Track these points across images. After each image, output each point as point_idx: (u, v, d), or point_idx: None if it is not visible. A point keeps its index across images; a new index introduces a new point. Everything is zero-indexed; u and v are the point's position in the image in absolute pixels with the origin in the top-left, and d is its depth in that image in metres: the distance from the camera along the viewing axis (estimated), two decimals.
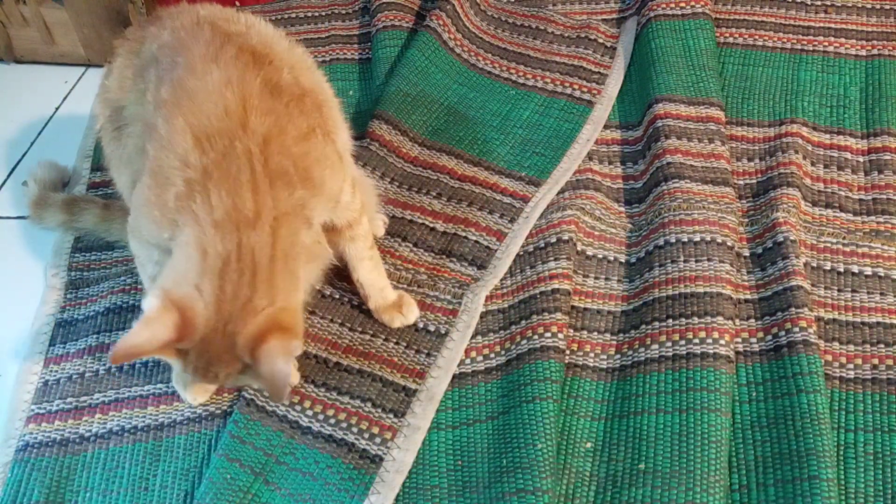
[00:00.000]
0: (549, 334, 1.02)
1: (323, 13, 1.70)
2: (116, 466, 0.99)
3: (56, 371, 1.10)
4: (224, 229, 0.77)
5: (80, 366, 1.10)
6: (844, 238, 1.14)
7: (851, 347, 1.02)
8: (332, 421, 0.99)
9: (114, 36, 0.97)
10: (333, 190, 0.90)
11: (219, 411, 1.03)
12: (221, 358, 0.78)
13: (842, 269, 1.11)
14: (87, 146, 1.43)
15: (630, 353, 1.04)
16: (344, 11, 1.69)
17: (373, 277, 1.07)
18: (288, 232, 0.81)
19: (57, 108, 1.54)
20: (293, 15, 1.69)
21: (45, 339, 1.14)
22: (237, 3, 1.72)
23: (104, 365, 1.10)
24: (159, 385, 1.06)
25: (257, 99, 0.80)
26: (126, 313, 1.15)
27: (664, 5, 1.51)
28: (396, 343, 1.07)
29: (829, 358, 1.01)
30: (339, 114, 1.00)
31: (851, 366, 1.00)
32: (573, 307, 1.10)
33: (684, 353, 1.00)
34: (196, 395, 1.03)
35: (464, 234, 1.21)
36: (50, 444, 1.01)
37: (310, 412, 1.00)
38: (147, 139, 0.82)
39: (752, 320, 1.05)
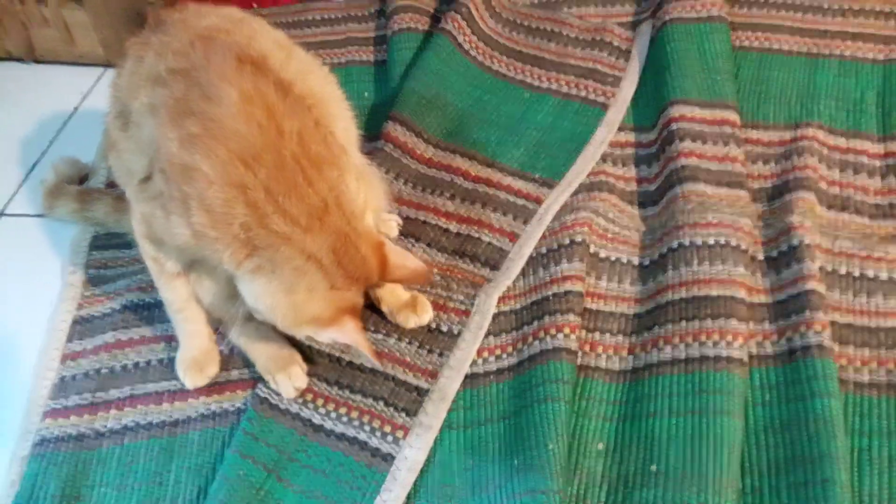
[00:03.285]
0: (561, 335, 1.02)
1: (339, 16, 1.71)
2: (131, 462, 1.00)
3: (73, 367, 1.11)
4: (315, 230, 0.83)
5: (96, 362, 1.11)
6: (860, 242, 1.14)
7: (866, 352, 1.01)
8: (345, 419, 1.00)
9: (132, 36, 0.98)
10: (349, 174, 0.91)
11: (233, 408, 1.04)
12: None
13: (857, 274, 1.10)
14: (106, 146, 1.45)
15: (643, 355, 1.04)
16: (360, 14, 1.71)
17: None
18: (346, 197, 0.88)
19: (76, 109, 1.56)
20: (310, 17, 1.70)
21: (62, 336, 1.15)
22: (255, 5, 1.74)
23: (120, 361, 1.11)
24: (174, 382, 1.07)
25: (278, 103, 0.82)
26: (142, 311, 1.16)
27: (680, 8, 1.51)
28: (409, 343, 1.08)
29: (844, 362, 1.00)
30: (337, 108, 1.01)
31: (866, 370, 0.99)
32: (586, 309, 1.10)
33: (697, 355, 0.99)
34: (194, 381, 1.05)
35: (477, 235, 1.21)
36: (66, 439, 1.03)
37: (322, 410, 1.01)
38: (182, 180, 0.82)
39: (766, 323, 1.05)
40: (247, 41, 0.91)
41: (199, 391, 1.06)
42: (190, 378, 1.05)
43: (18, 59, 1.66)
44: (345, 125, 1.03)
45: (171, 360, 1.09)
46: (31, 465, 1.00)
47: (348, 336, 0.89)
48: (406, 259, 0.94)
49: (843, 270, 1.11)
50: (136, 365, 1.10)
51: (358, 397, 1.02)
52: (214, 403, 1.05)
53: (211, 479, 0.97)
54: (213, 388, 1.06)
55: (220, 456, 1.00)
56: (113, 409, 1.06)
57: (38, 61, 1.66)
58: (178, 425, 1.03)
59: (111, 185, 1.38)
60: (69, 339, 1.15)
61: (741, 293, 1.05)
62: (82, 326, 1.16)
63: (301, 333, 0.90)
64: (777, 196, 1.22)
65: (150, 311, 1.16)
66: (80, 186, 1.35)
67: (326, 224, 0.84)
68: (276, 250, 0.83)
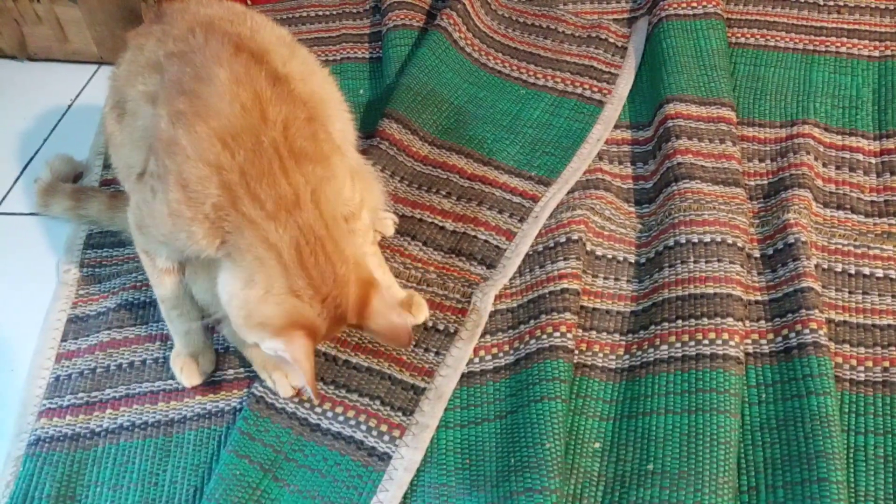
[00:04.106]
0: (557, 334, 1.02)
1: (334, 12, 1.70)
2: (126, 461, 1.00)
3: (67, 366, 1.11)
4: (279, 219, 0.79)
5: (91, 361, 1.11)
6: (856, 240, 1.14)
7: (862, 350, 1.02)
8: (341, 418, 1.00)
9: (126, 35, 0.98)
10: (339, 175, 0.90)
11: (228, 408, 1.04)
12: (332, 330, 0.84)
13: (853, 272, 1.10)
14: (100, 143, 1.44)
15: (639, 353, 1.04)
16: (355, 10, 1.70)
17: (378, 275, 1.06)
18: (326, 198, 0.83)
19: (69, 106, 1.55)
20: (304, 14, 1.70)
21: (56, 335, 1.14)
22: (248, 2, 1.73)
23: (115, 360, 1.10)
24: (169, 381, 1.07)
25: (267, 90, 0.81)
26: (137, 310, 1.16)
27: (675, 5, 1.51)
28: None
29: (840, 360, 1.01)
30: (336, 109, 1.00)
31: (862, 368, 1.00)
32: (582, 307, 1.10)
33: (693, 353, 1.00)
34: (190, 379, 1.05)
35: (473, 233, 1.21)
36: (61, 438, 1.02)
37: (318, 409, 1.01)
38: (165, 153, 0.82)
39: (763, 322, 1.05)
40: (249, 33, 0.90)
41: (195, 390, 1.06)
42: (185, 377, 1.05)
43: (11, 57, 1.65)
44: (342, 126, 1.02)
45: (167, 359, 1.08)
46: (25, 464, 1.00)
47: (293, 354, 0.79)
48: (393, 313, 0.85)
49: (838, 268, 1.11)
50: (131, 364, 1.10)
51: (354, 396, 1.02)
52: (210, 402, 1.05)
53: (207, 479, 0.97)
54: (209, 386, 1.06)
55: (215, 455, 0.99)
56: (108, 409, 1.06)
57: (31, 59, 1.65)
58: (174, 425, 1.03)
59: (105, 183, 1.38)
60: (64, 338, 1.14)
61: (737, 291, 1.05)
62: (77, 325, 1.16)
63: (250, 337, 0.83)
64: (773, 194, 1.22)
65: (144, 309, 1.16)
66: (75, 185, 1.35)
67: (295, 217, 0.79)
68: (241, 235, 0.79)
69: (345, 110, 1.05)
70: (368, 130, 1.36)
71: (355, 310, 0.83)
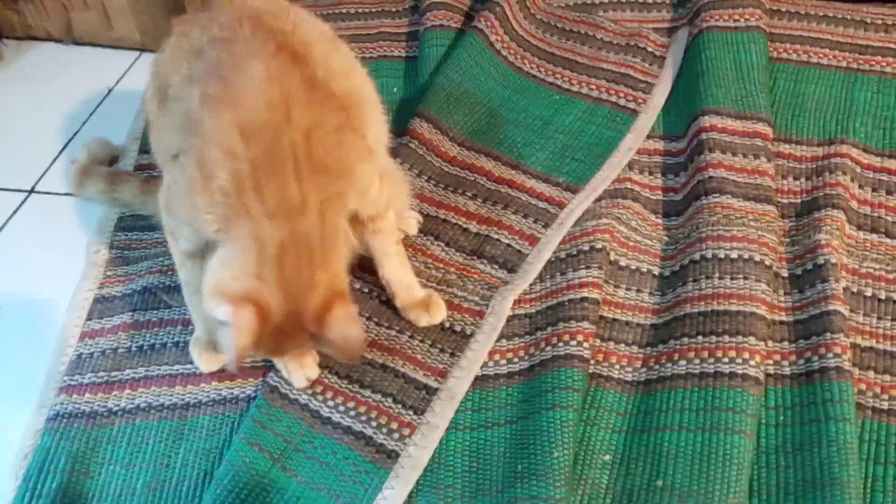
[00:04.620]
0: (574, 342, 1.01)
1: (373, 10, 1.71)
2: (141, 442, 1.02)
3: (90, 345, 1.13)
4: (277, 220, 0.80)
5: (113, 341, 1.13)
6: (888, 265, 1.11)
7: (888, 378, 0.99)
8: (353, 413, 1.00)
9: (169, 23, 1.00)
10: (364, 182, 0.91)
11: (243, 395, 1.05)
12: (290, 333, 0.83)
13: (883, 297, 1.07)
14: (137, 129, 1.47)
15: (657, 367, 1.02)
16: (394, 9, 1.71)
17: (398, 274, 1.07)
18: (332, 215, 0.84)
19: (110, 91, 1.58)
20: (344, 10, 1.71)
21: (82, 314, 1.17)
22: None
23: (136, 342, 1.12)
24: (188, 365, 1.09)
25: (298, 93, 0.82)
26: (161, 293, 1.18)
27: (717, 17, 1.49)
28: (421, 341, 1.07)
29: (864, 387, 0.98)
30: (373, 111, 1.01)
31: (886, 396, 0.97)
32: (602, 317, 1.08)
33: (712, 371, 0.98)
34: (208, 364, 1.06)
35: (496, 236, 1.21)
36: (79, 415, 1.04)
37: (331, 403, 1.01)
38: (191, 132, 0.84)
39: (786, 343, 1.03)
40: (292, 28, 0.91)
41: (212, 375, 1.07)
42: (203, 362, 1.07)
43: (58, 41, 1.70)
44: (377, 129, 1.03)
45: (186, 343, 1.10)
46: (44, 438, 1.02)
47: (236, 322, 0.77)
48: (350, 327, 0.82)
49: (868, 293, 1.08)
50: (152, 346, 1.12)
51: (367, 392, 1.02)
52: (226, 389, 1.06)
53: (217, 464, 0.98)
54: (226, 373, 1.07)
55: (227, 441, 1.01)
56: (127, 389, 1.07)
57: (77, 43, 1.69)
58: (189, 408, 1.05)
59: (140, 168, 1.40)
60: (89, 317, 1.16)
61: (761, 310, 1.03)
62: (102, 305, 1.18)
63: (210, 305, 0.82)
64: (806, 213, 1.19)
65: (168, 293, 1.17)
66: (110, 168, 1.38)
67: (293, 222, 0.80)
68: (236, 223, 0.80)
69: (380, 112, 1.05)
70: (400, 129, 1.36)
71: (315, 314, 0.81)
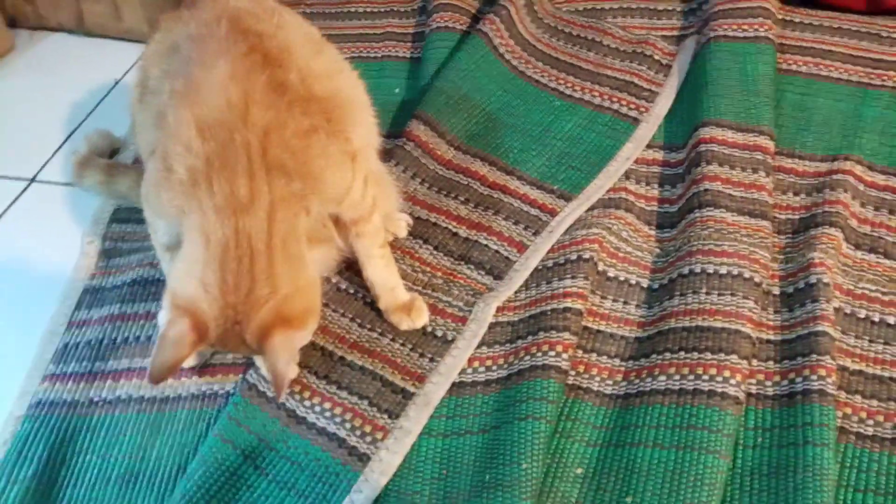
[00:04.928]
0: (553, 353, 1.00)
1: (382, 9, 1.71)
2: (119, 433, 1.03)
3: (77, 334, 1.14)
4: (223, 214, 0.80)
5: (99, 332, 1.14)
6: (884, 286, 1.08)
7: (874, 403, 0.96)
8: (328, 414, 1.00)
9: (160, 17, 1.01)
10: (336, 187, 0.91)
11: (223, 391, 1.05)
12: (239, 347, 0.83)
13: (877, 319, 1.04)
14: None
15: (637, 381, 1.01)
16: (402, 9, 1.70)
17: (383, 276, 1.07)
18: (284, 216, 0.83)
19: (116, 83, 1.60)
20: (352, 9, 1.71)
21: (71, 303, 1.18)
22: None
23: (122, 334, 1.13)
24: None
25: (260, 94, 0.82)
26: (150, 286, 1.19)
27: (726, 26, 1.46)
28: (402, 344, 1.07)
29: (849, 411, 0.95)
30: (360, 113, 1.01)
31: (871, 422, 0.94)
32: (586, 328, 1.07)
33: (691, 388, 0.96)
34: (188, 359, 1.04)
35: (485, 242, 1.20)
36: (61, 403, 1.06)
37: (307, 403, 1.01)
38: (158, 126, 0.86)
39: (771, 362, 1.01)
40: (273, 30, 0.92)
41: (192, 371, 1.08)
42: None
43: (69, 31, 1.72)
44: (364, 132, 1.03)
45: None
46: (24, 425, 1.03)
47: (168, 333, 0.78)
48: (283, 359, 0.79)
49: (861, 314, 1.05)
50: (137, 338, 1.13)
51: (344, 394, 1.02)
52: (205, 384, 1.06)
53: (192, 459, 0.98)
54: (206, 369, 1.08)
55: (203, 437, 1.01)
56: (109, 380, 1.08)
57: (87, 34, 1.72)
58: (168, 402, 1.05)
59: (139, 160, 1.41)
60: (77, 307, 1.18)
61: (747, 328, 1.01)
62: (92, 296, 1.19)
63: (164, 301, 0.83)
64: (802, 230, 1.17)
65: (157, 287, 1.18)
66: (109, 160, 1.39)
67: (238, 219, 0.79)
68: (189, 216, 0.82)
69: (370, 115, 1.05)
70: (399, 130, 1.36)
71: (255, 335, 0.80)
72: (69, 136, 1.49)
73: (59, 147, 1.47)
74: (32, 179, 1.40)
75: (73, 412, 1.05)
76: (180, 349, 0.78)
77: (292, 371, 1.02)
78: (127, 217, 1.31)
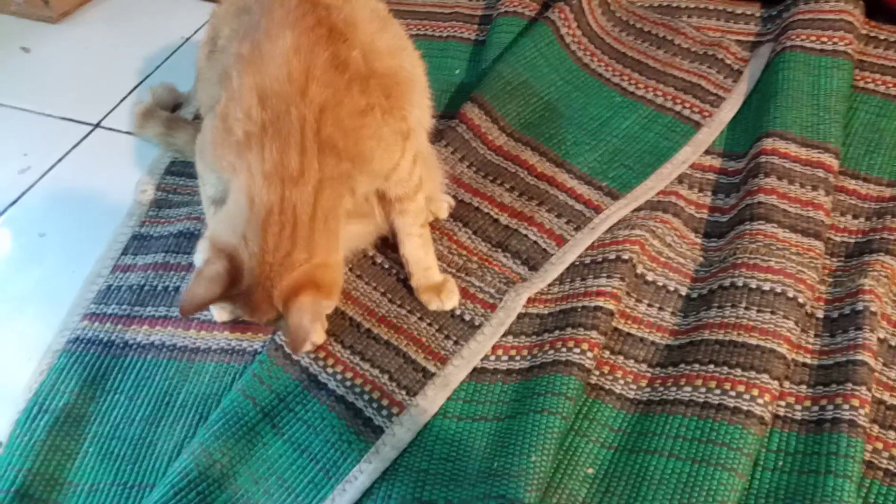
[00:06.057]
0: (578, 350, 0.99)
1: None
2: (148, 377, 1.06)
3: (121, 278, 1.18)
4: (270, 180, 0.82)
5: (142, 278, 1.17)
6: None
7: None
8: (349, 384, 1.01)
9: None
10: (383, 167, 0.93)
11: (251, 348, 1.08)
12: (261, 305, 0.84)
13: None
14: None
15: (661, 389, 0.99)
16: None
17: (419, 255, 1.07)
18: (330, 195, 0.85)
19: (186, 39, 1.64)
20: None
21: (119, 248, 1.22)
22: None
23: (163, 282, 1.17)
24: (206, 312, 1.12)
25: (321, 70, 0.83)
26: (195, 239, 1.21)
27: (804, 36, 1.40)
28: (429, 324, 1.07)
29: (880, 446, 0.92)
30: (418, 93, 1.02)
31: None
32: (616, 329, 1.05)
33: (716, 402, 0.94)
34: (220, 314, 1.10)
35: (525, 231, 1.19)
36: (97, 342, 1.10)
37: (330, 370, 1.03)
38: (222, 85, 0.88)
39: (804, 386, 0.97)
40: (341, 3, 0.92)
41: (224, 325, 1.10)
42: (217, 311, 1.10)
43: None
44: (419, 113, 1.04)
45: None
46: (60, 359, 1.08)
47: (203, 271, 0.81)
48: (305, 318, 0.81)
49: None
50: (177, 288, 1.16)
51: (367, 366, 1.03)
52: (235, 340, 1.09)
53: (214, 410, 1.01)
54: (238, 325, 1.10)
55: (227, 390, 1.03)
56: (146, 325, 1.12)
57: None
58: (198, 353, 1.08)
59: (198, 117, 1.45)
60: (124, 252, 1.22)
61: (783, 348, 0.97)
62: (139, 243, 1.23)
63: (202, 245, 0.86)
64: (856, 255, 1.12)
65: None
66: (171, 113, 1.43)
67: (286, 188, 0.82)
68: (238, 177, 0.84)
69: (426, 96, 1.06)
70: (454, 111, 1.36)
71: (283, 294, 0.81)
72: (135, 87, 1.53)
73: (125, 97, 1.51)
74: (97, 125, 1.45)
75: (107, 352, 1.09)
76: (213, 287, 0.81)
77: (318, 336, 1.04)
78: (181, 171, 1.35)
